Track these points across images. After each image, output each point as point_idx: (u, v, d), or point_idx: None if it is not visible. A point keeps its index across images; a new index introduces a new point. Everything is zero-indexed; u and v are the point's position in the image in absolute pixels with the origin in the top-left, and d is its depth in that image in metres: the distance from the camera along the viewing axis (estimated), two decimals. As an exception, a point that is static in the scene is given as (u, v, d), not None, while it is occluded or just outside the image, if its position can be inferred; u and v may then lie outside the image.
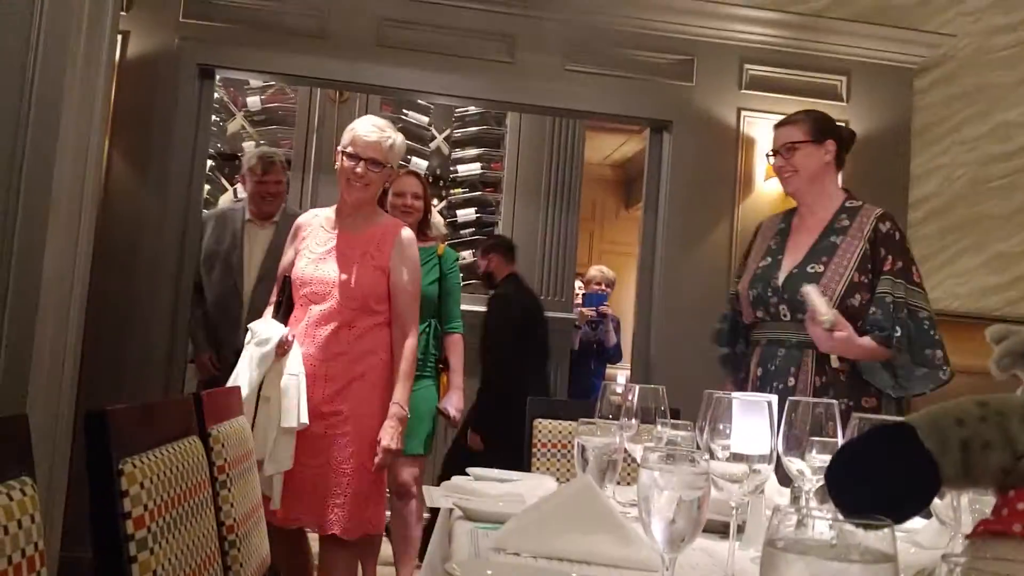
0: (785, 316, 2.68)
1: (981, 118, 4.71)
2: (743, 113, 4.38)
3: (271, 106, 5.90)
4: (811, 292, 2.55)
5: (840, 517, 0.71)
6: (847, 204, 2.76)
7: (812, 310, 2.53)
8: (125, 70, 3.92)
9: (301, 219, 3.07)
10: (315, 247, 2.93)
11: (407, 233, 2.97)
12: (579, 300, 6.26)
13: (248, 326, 2.89)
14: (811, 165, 2.73)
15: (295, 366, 2.76)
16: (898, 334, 2.54)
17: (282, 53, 4.11)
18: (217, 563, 1.58)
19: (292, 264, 2.96)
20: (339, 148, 2.92)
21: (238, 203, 4.36)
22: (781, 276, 2.70)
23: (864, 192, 4.51)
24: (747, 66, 4.41)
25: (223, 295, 4.06)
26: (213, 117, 4.93)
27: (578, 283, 6.39)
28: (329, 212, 3.02)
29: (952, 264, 4.65)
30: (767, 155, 2.90)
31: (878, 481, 0.78)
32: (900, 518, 0.74)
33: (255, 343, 2.78)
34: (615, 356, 6.22)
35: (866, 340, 2.56)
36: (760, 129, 4.28)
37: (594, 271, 6.35)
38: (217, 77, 4.30)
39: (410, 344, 2.89)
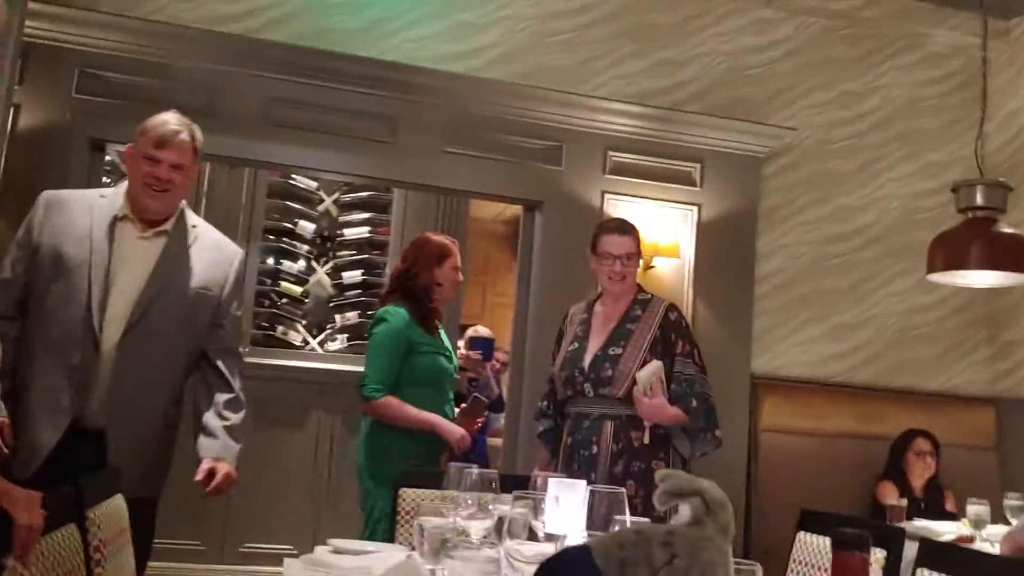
0: (589, 393, 3.17)
1: (822, 202, 5.23)
2: (606, 195, 4.77)
3: (163, 168, 6.00)
4: (641, 372, 3.07)
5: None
6: (639, 296, 3.27)
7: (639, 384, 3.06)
8: (16, 142, 4.04)
9: None
10: None
11: None
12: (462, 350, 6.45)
13: None
14: (637, 269, 3.32)
15: None
16: (694, 404, 3.10)
17: (172, 129, 4.28)
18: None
19: None
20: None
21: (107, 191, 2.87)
22: (587, 359, 3.18)
23: (715, 268, 4.96)
24: (611, 153, 4.81)
25: (66, 328, 2.55)
26: (105, 180, 5.05)
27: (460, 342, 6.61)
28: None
29: (795, 334, 5.12)
30: (602, 256, 3.27)
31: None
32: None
33: None
34: (499, 406, 6.43)
35: (674, 409, 3.08)
36: (620, 211, 4.64)
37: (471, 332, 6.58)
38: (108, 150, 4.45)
39: None
